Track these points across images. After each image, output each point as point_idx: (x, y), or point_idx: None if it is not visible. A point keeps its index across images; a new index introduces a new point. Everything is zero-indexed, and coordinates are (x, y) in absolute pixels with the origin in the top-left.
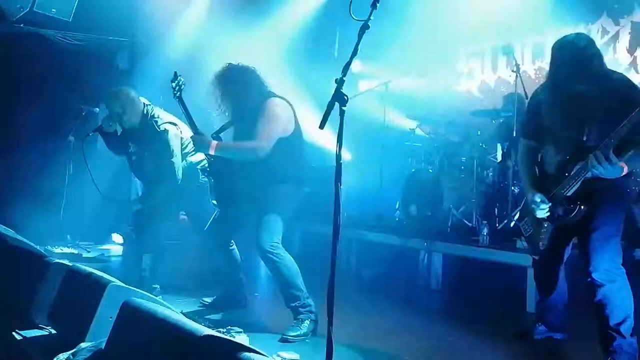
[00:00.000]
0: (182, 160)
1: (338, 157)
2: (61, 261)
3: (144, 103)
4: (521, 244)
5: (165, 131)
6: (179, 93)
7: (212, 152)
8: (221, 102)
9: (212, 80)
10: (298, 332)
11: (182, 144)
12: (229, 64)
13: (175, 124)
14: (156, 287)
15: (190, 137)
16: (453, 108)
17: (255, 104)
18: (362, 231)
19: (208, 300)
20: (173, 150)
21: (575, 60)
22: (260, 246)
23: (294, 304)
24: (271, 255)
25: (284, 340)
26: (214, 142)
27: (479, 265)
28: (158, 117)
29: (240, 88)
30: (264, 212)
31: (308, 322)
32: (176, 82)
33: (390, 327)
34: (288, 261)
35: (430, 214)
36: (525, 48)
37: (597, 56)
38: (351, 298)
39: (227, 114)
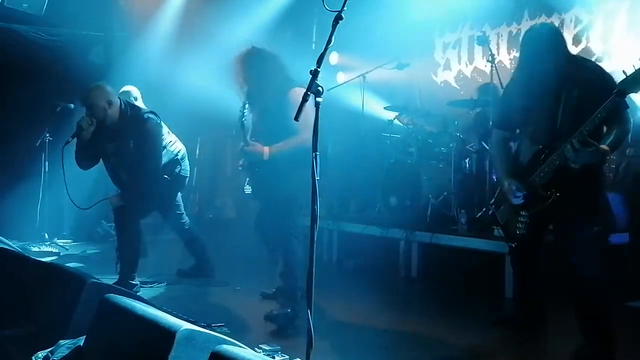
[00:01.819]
0: (162, 150)
1: (314, 148)
2: (39, 259)
3: (119, 98)
4: (498, 231)
5: (149, 119)
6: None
7: (265, 158)
8: (243, 85)
9: (234, 61)
10: (283, 312)
11: (161, 133)
12: (253, 47)
13: (155, 113)
14: (136, 283)
15: (242, 148)
16: (430, 99)
17: (279, 92)
18: (343, 222)
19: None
20: (155, 139)
21: (539, 47)
22: (292, 227)
23: (289, 288)
24: (296, 238)
25: (268, 318)
26: (266, 149)
27: (458, 254)
28: (139, 108)
29: (261, 74)
30: (293, 195)
31: (290, 312)
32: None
33: (370, 317)
34: (303, 246)
35: (409, 204)
36: (500, 38)
37: (561, 42)
38: (332, 289)
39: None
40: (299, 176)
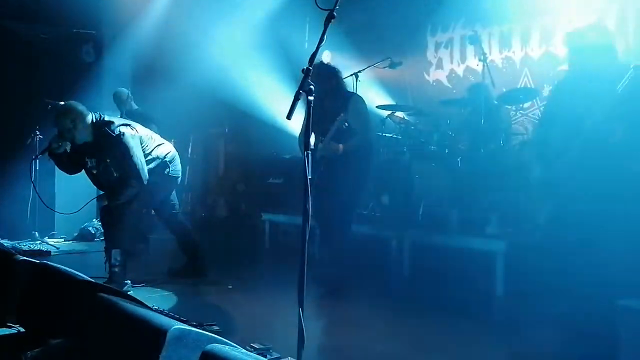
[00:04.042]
0: (145, 157)
1: (306, 146)
2: (29, 259)
3: (91, 113)
4: (490, 229)
5: (122, 134)
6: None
7: (339, 153)
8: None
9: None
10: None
11: (142, 144)
12: (321, 62)
13: (128, 125)
14: (127, 282)
15: (323, 145)
16: (423, 98)
17: (340, 99)
18: None
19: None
20: (133, 151)
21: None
22: (349, 212)
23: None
24: (348, 226)
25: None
26: (340, 146)
27: (450, 252)
28: (110, 123)
29: (327, 86)
30: (359, 182)
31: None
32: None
33: (361, 316)
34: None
35: (401, 202)
36: (492, 38)
37: None
38: (322, 287)
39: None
40: (364, 166)
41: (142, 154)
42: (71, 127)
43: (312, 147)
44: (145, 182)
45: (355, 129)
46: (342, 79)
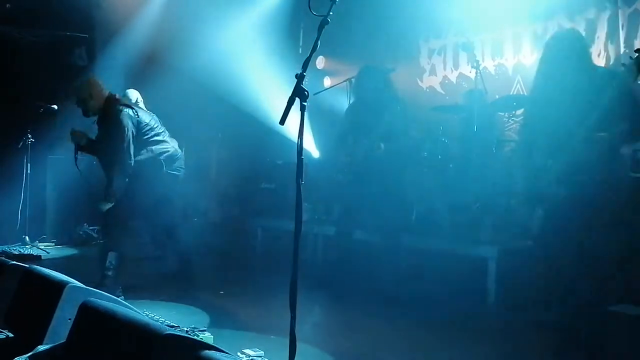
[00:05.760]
0: (140, 145)
1: (299, 152)
2: (18, 263)
3: (109, 91)
4: (483, 235)
5: (119, 111)
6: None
7: (380, 152)
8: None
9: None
10: None
11: (141, 130)
12: (375, 65)
13: (131, 107)
14: (119, 288)
15: (369, 143)
16: (416, 104)
17: (386, 101)
18: (328, 227)
19: None
20: (124, 128)
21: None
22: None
23: None
24: None
25: None
26: (382, 145)
27: (443, 258)
28: (116, 101)
29: (380, 88)
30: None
31: None
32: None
33: (354, 322)
34: None
35: (394, 208)
36: (485, 45)
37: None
38: (314, 294)
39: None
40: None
41: (132, 137)
42: (87, 96)
43: (352, 148)
44: (131, 162)
45: (397, 130)
46: (390, 81)
